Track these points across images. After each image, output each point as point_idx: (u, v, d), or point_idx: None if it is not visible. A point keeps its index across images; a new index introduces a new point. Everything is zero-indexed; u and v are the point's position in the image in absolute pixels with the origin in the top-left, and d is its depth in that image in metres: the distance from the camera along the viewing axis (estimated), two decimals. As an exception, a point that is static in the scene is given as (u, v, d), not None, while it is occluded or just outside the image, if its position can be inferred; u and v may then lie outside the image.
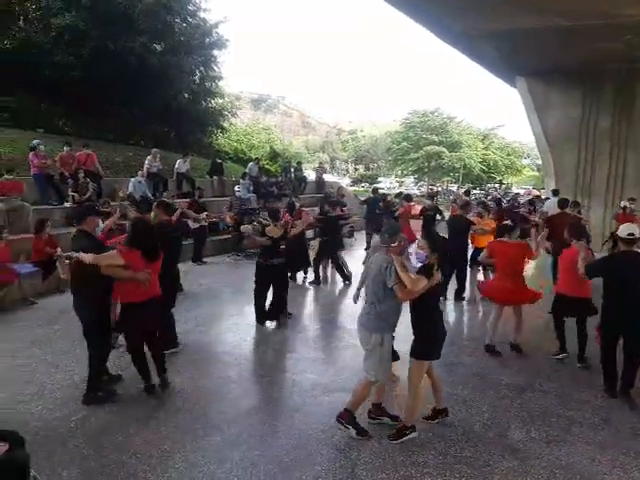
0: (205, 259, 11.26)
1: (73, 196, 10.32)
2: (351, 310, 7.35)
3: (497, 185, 43.03)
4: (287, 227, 7.13)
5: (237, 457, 3.71)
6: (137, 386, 4.76)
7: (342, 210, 10.91)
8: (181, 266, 10.13)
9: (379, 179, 49.31)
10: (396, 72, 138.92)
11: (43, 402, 4.49)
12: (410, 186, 44.17)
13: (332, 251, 9.48)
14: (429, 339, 4.04)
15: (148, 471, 3.54)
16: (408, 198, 11.82)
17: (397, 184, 46.57)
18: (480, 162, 42.25)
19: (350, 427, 4.03)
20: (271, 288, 7.00)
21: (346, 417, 4.06)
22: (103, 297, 4.48)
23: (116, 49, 15.16)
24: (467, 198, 12.39)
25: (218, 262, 11.51)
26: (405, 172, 46.83)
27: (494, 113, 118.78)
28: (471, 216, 8.56)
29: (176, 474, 3.50)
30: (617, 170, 13.80)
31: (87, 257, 4.17)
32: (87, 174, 10.90)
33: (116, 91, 15.76)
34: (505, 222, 7.08)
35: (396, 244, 4.04)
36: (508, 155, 47.16)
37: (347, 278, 9.44)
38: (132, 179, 12.00)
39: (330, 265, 9.87)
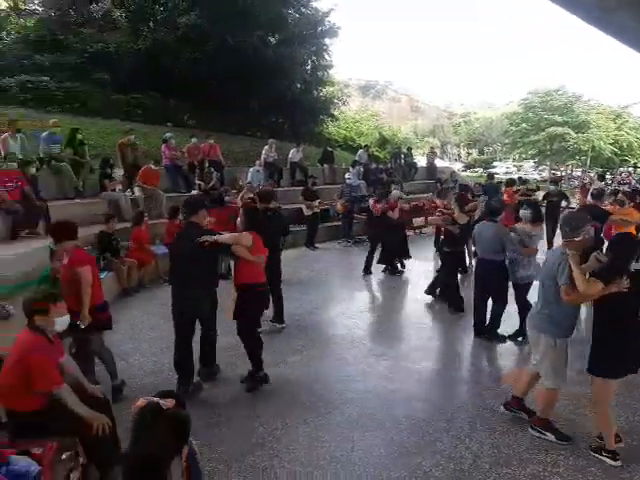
0: (317, 245, 11.57)
1: (199, 184, 11.13)
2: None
3: (631, 169, 38.62)
4: (472, 213, 7.06)
5: (357, 437, 3.80)
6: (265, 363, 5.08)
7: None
8: (295, 251, 10.62)
9: (494, 163, 46.78)
10: (513, 51, 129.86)
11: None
12: (529, 171, 41.35)
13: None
14: (617, 354, 3.43)
15: (274, 441, 3.75)
16: (510, 183, 11.12)
17: (514, 169, 43.84)
18: (611, 144, 38.16)
19: (548, 433, 3.80)
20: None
21: (540, 424, 3.86)
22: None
23: (235, 44, 15.95)
24: (601, 184, 11.32)
25: (329, 248, 11.76)
26: (524, 156, 43.81)
27: (629, 90, 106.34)
28: (606, 205, 7.74)
29: (300, 448, 3.67)
30: None
31: (226, 237, 4.48)
32: (211, 164, 11.70)
33: (235, 85, 16.64)
34: None
35: (580, 238, 3.56)
36: (646, 135, 42.04)
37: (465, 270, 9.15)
38: (250, 169, 12.65)
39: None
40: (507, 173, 34.77)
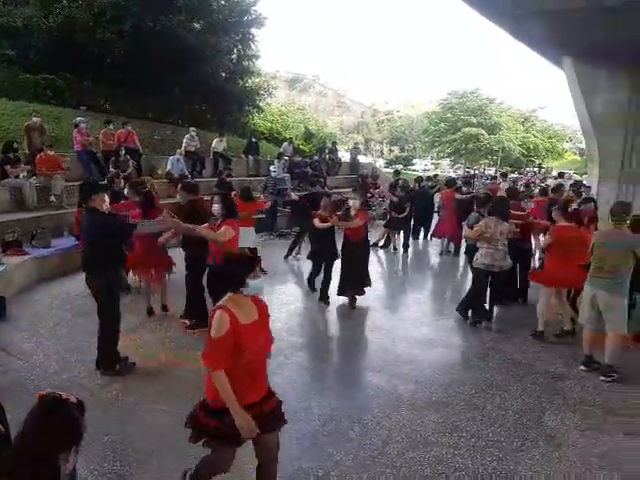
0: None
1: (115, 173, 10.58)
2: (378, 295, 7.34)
3: (536, 169, 41.74)
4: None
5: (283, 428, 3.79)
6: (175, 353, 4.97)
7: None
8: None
9: (414, 161, 48.61)
10: (435, 51, 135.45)
11: (85, 369, 4.68)
12: (446, 169, 43.42)
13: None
14: None
15: (185, 439, 3.65)
16: (450, 183, 11.50)
17: (433, 166, 45.83)
18: (520, 145, 41.06)
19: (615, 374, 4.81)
20: None
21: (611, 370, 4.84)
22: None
23: (155, 27, 15.27)
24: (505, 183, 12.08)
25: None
26: (441, 154, 46.00)
27: (536, 94, 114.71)
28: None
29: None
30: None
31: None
32: (127, 151, 11.15)
33: (155, 70, 15.95)
34: None
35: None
36: (549, 138, 45.61)
37: None
38: (171, 157, 12.23)
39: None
40: (425, 170, 36.33)
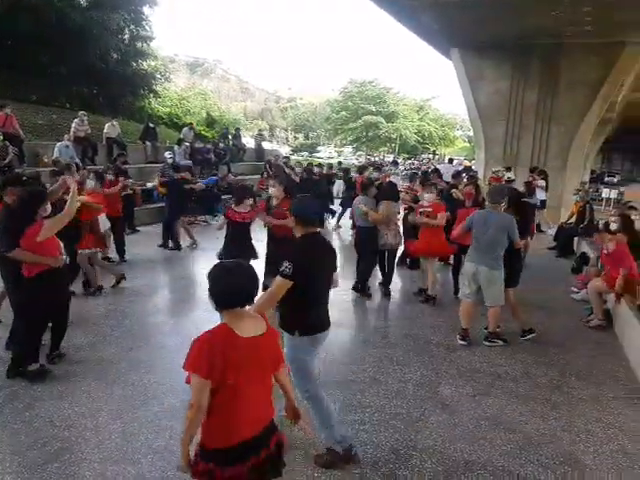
0: (138, 228, 10.91)
1: (-9, 161, 9.58)
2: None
3: (431, 156, 44.18)
4: None
5: (176, 426, 3.68)
6: (70, 358, 4.64)
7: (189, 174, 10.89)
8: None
9: (319, 148, 49.23)
10: (337, 39, 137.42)
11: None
12: (348, 156, 44.48)
13: (170, 217, 9.46)
14: None
15: (82, 443, 3.45)
16: (361, 169, 11.74)
17: (336, 154, 46.72)
18: (415, 133, 43.17)
19: (499, 341, 5.45)
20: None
21: (494, 335, 5.48)
22: None
23: (33, 2, 13.92)
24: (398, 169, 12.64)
25: (153, 231, 11.16)
26: (344, 142, 47.06)
27: (430, 84, 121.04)
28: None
29: (112, 445, 3.44)
30: (541, 142, 14.57)
31: None
32: (6, 137, 10.13)
33: (35, 48, 14.59)
34: None
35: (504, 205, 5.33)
36: (442, 126, 48.45)
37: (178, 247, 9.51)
38: (58, 143, 11.31)
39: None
40: (330, 157, 36.95)
